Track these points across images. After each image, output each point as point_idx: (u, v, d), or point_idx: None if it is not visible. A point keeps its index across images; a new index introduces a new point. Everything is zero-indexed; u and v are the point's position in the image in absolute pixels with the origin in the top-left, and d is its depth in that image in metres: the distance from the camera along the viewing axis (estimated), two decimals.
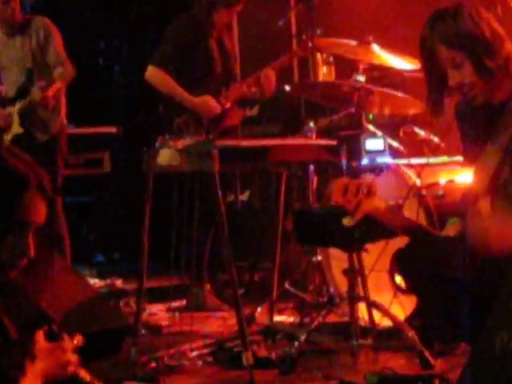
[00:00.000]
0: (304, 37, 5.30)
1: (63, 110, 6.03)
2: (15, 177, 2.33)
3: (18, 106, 5.86)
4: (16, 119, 5.87)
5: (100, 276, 6.44)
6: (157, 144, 4.59)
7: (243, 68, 5.88)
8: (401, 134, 5.20)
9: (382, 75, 5.55)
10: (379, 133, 5.05)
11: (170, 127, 5.37)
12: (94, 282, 6.12)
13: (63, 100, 6.00)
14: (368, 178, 3.84)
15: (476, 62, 3.05)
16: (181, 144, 4.48)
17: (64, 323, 4.34)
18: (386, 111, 5.27)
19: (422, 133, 5.10)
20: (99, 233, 7.32)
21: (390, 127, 5.39)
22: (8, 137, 5.91)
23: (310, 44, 5.13)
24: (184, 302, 5.51)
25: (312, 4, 5.11)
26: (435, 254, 3.19)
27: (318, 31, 5.18)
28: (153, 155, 4.52)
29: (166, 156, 4.57)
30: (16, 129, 5.88)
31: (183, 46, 5.49)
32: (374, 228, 3.61)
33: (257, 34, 7.14)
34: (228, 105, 5.43)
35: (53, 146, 5.94)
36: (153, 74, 5.51)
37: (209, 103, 5.37)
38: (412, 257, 3.26)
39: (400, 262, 3.41)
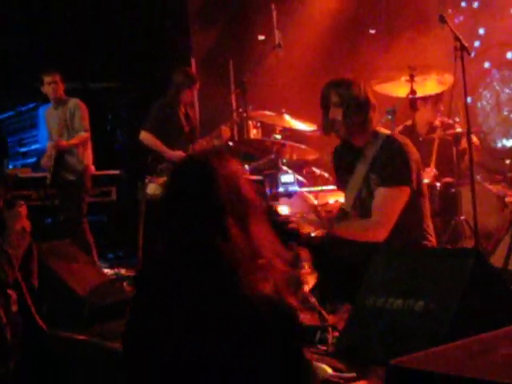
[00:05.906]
0: (241, 110, 5.78)
1: (88, 157, 6.34)
2: None
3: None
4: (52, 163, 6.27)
5: (110, 267, 6.49)
6: (146, 180, 5.27)
7: (204, 130, 6.37)
8: (304, 172, 5.60)
9: (291, 134, 5.73)
10: (290, 171, 5.31)
11: (155, 170, 5.57)
12: (107, 271, 6.10)
13: (89, 151, 6.33)
14: None
15: (345, 111, 3.44)
16: (161, 180, 5.12)
17: (88, 297, 4.69)
18: (295, 157, 5.52)
19: (317, 171, 5.53)
20: (110, 239, 7.50)
21: (297, 167, 5.59)
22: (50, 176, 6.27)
23: (244, 115, 5.68)
24: None
25: (245, 89, 5.66)
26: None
27: (250, 107, 5.69)
28: (144, 188, 5.15)
29: (152, 188, 5.17)
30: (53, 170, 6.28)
31: (162, 118, 5.85)
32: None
33: (211, 109, 7.25)
34: None
35: (79, 183, 6.22)
36: (144, 136, 5.89)
37: (181, 155, 5.50)
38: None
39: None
